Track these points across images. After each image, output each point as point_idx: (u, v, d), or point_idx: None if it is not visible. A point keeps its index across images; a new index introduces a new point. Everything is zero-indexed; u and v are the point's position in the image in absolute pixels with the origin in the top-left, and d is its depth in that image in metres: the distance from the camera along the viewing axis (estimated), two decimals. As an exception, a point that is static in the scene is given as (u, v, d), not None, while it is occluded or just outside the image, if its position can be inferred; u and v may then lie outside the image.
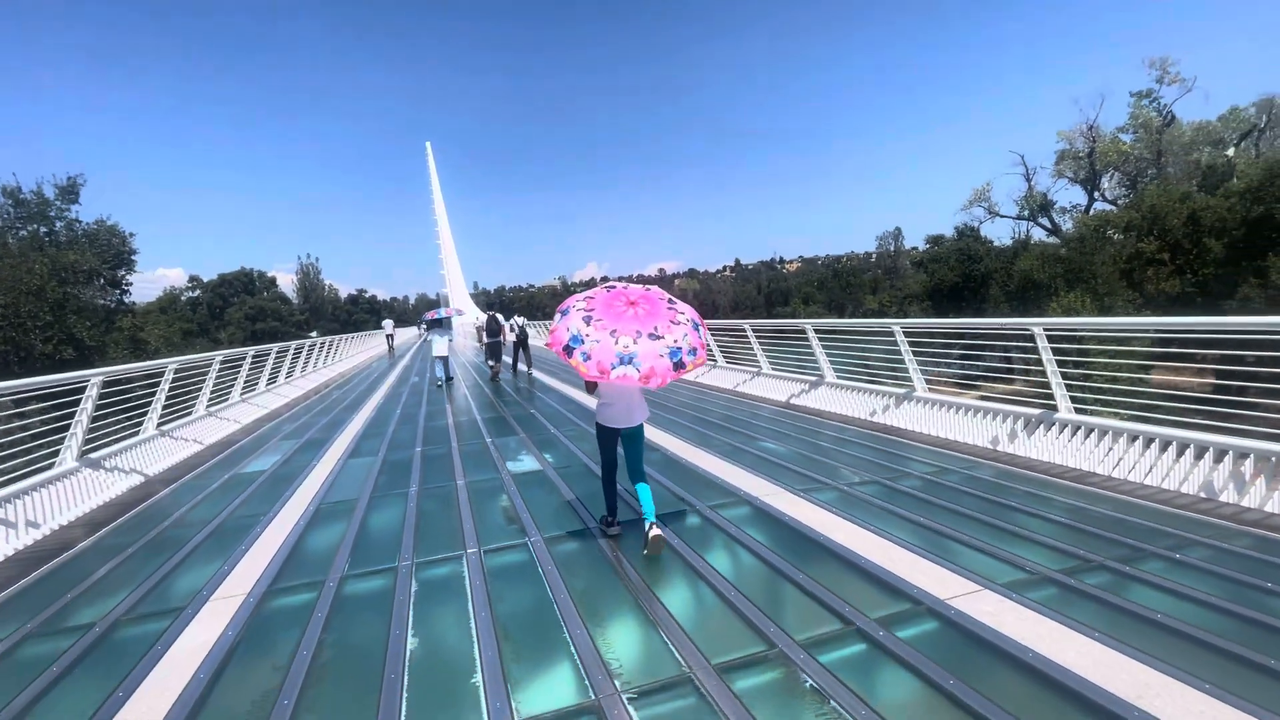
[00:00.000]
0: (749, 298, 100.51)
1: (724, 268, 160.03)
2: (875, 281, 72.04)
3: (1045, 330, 6.33)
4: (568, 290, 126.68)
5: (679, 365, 3.65)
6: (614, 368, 3.56)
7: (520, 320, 17.29)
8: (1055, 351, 6.30)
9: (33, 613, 3.78)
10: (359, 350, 32.26)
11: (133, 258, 34.73)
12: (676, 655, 2.88)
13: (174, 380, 8.99)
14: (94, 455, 6.85)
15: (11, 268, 23.76)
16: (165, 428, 8.83)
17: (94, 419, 6.81)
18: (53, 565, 4.62)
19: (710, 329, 12.45)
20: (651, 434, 7.69)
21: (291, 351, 17.42)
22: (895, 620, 3.08)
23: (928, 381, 8.23)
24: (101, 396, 6.86)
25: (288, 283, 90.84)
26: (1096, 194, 40.70)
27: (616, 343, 3.63)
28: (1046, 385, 6.42)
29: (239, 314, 73.26)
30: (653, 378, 3.57)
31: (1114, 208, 37.07)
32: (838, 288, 70.16)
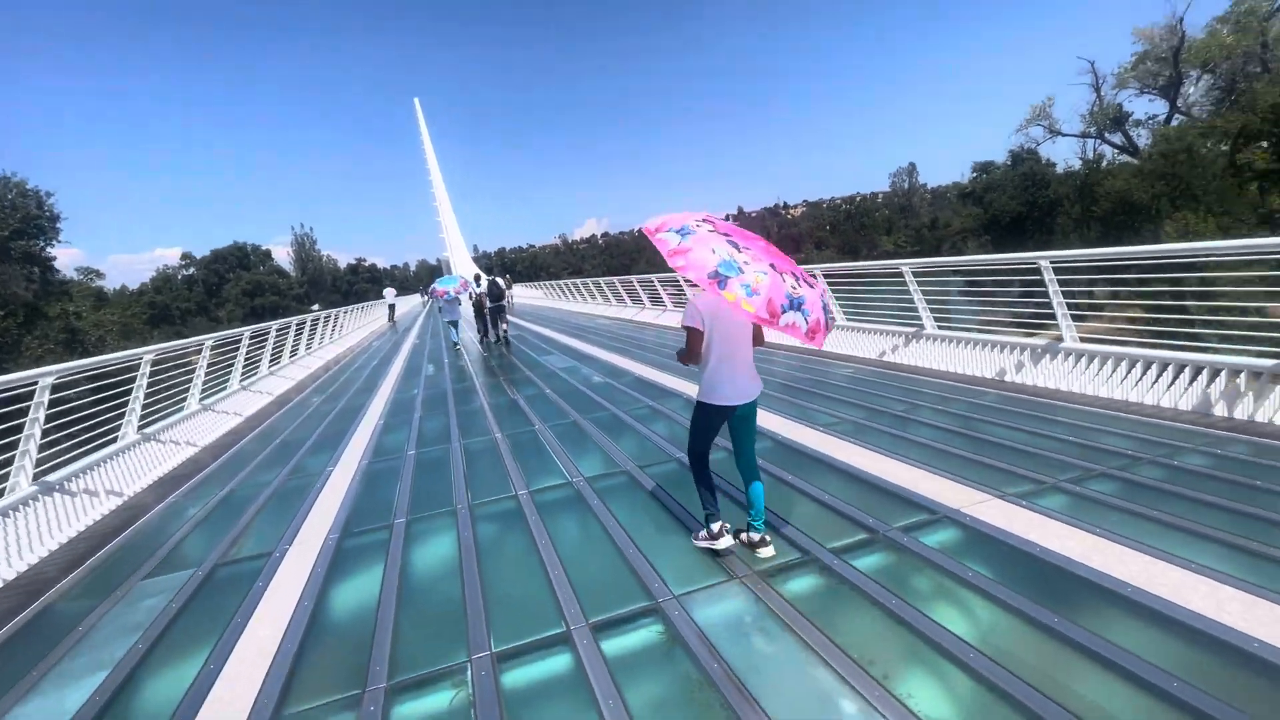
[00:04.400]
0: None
1: (726, 216, 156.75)
2: (890, 221, 70.77)
3: (1051, 263, 6.49)
4: (570, 248, 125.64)
5: (828, 322, 2.91)
6: (785, 311, 2.68)
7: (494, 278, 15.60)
8: (1061, 284, 6.48)
9: (137, 563, 4.24)
10: (361, 324, 28.37)
11: (55, 225, 27.94)
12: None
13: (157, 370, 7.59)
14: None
15: None
16: (146, 430, 7.32)
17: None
18: (136, 528, 5.10)
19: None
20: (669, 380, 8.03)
21: (293, 329, 15.52)
22: (918, 528, 3.46)
23: (982, 323, 8.33)
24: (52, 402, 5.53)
25: (283, 255, 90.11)
26: (1180, 103, 34.83)
27: (784, 280, 2.76)
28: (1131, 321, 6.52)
29: (236, 290, 73.21)
30: (818, 333, 2.81)
31: (1193, 120, 32.07)
32: (850, 230, 68.63)
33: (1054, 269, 6.46)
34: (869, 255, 61.41)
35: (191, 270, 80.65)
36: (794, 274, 2.86)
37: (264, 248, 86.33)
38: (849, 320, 10.06)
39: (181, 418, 8.26)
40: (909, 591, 2.86)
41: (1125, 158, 36.16)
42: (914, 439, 5.01)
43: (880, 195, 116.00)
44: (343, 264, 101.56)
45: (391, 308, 29.90)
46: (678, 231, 2.86)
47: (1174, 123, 34.09)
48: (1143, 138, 36.22)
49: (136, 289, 76.61)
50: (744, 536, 3.41)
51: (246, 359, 11.32)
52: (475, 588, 3.33)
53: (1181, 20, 33.61)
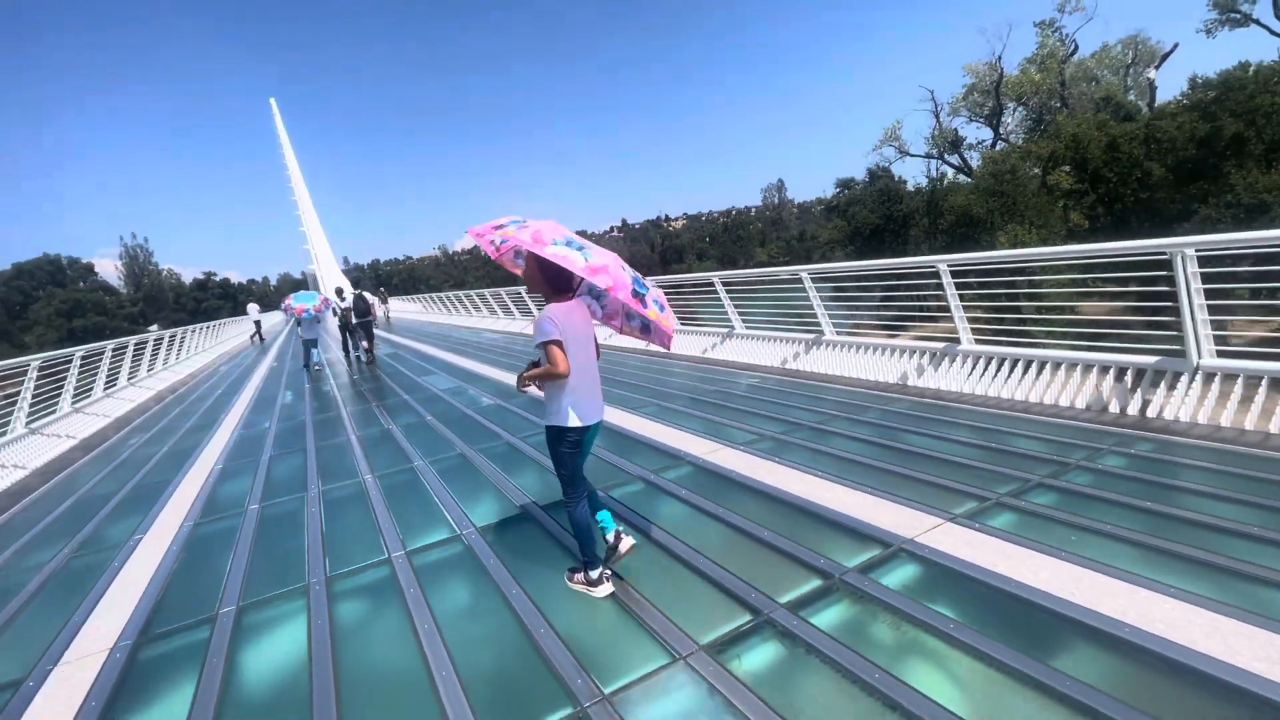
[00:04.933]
0: (644, 257, 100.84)
1: (611, 228, 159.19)
2: (763, 233, 74.61)
3: (950, 266, 6.57)
4: (451, 260, 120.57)
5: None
6: (672, 319, 2.82)
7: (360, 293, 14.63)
8: (959, 286, 6.57)
9: None
10: (215, 343, 26.48)
11: None
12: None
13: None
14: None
15: None
16: None
17: None
18: None
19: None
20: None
21: (108, 354, 12.32)
22: (875, 566, 3.03)
23: (852, 328, 8.42)
24: None
25: (111, 270, 79.05)
26: (1002, 130, 40.66)
27: (653, 286, 2.89)
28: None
29: (48, 310, 62.69)
30: (671, 335, 3.04)
31: (1012, 146, 37.07)
32: (728, 241, 71.84)
33: (951, 272, 6.53)
34: (745, 265, 64.60)
35: (-13, 288, 68.12)
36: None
37: (84, 261, 75.04)
38: (749, 329, 9.88)
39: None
40: (881, 652, 2.38)
41: (963, 177, 40.96)
42: (839, 454, 4.68)
43: (753, 209, 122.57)
44: (188, 279, 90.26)
45: (257, 324, 27.89)
46: (568, 245, 2.58)
47: (998, 147, 39.17)
48: (974, 159, 41.55)
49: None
50: (607, 538, 3.07)
51: (37, 391, 9.21)
52: (329, 700, 2.45)
53: (1000, 58, 39.65)
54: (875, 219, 38.98)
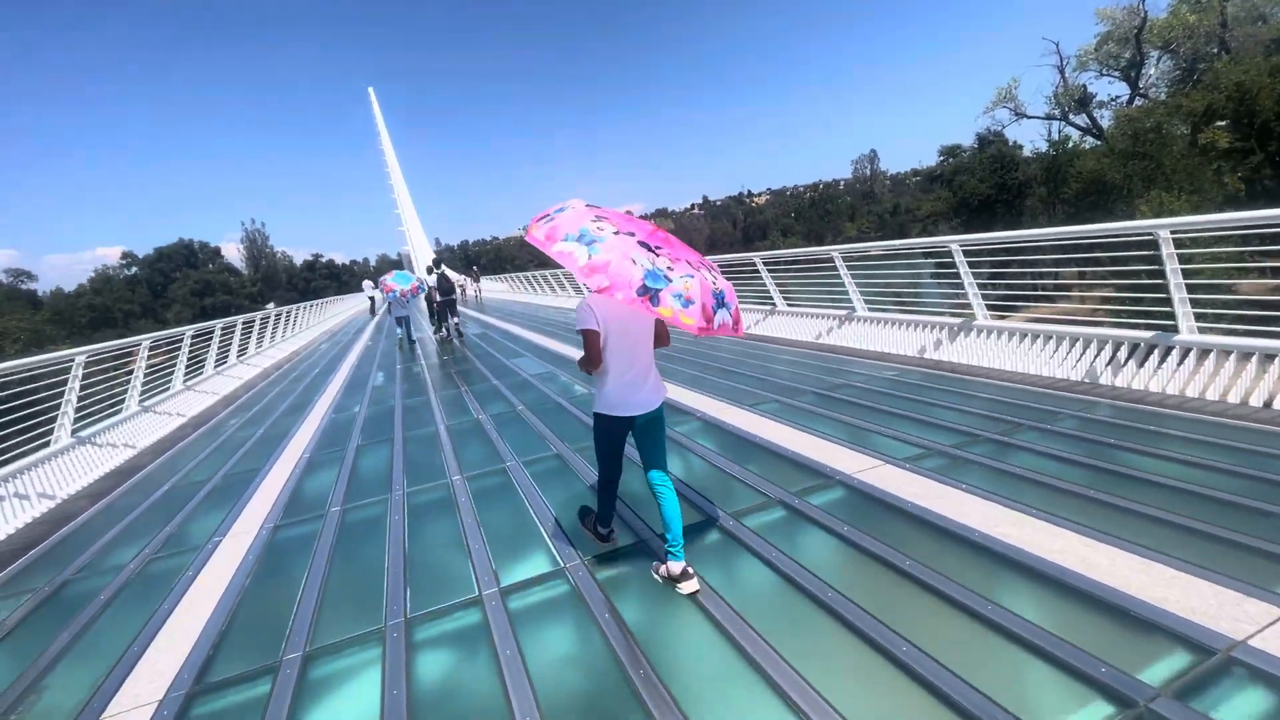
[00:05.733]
0: (725, 234, 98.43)
1: (692, 205, 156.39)
2: (853, 207, 70.61)
3: (961, 246, 6.97)
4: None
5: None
6: (715, 312, 2.40)
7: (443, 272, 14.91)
8: (971, 265, 6.92)
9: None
10: (320, 319, 28.52)
11: None
12: None
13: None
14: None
15: None
16: (80, 433, 7.24)
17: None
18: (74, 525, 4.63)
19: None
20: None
21: (239, 329, 14.54)
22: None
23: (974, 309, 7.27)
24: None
25: (234, 253, 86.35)
26: (1141, 84, 35.01)
27: (707, 278, 2.47)
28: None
29: (184, 290, 69.43)
30: (739, 322, 2.62)
31: (1153, 102, 31.74)
32: (815, 217, 68.66)
33: (963, 252, 6.75)
34: (834, 240, 61.08)
35: (134, 270, 76.02)
36: (705, 266, 2.58)
37: (213, 245, 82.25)
38: (872, 310, 8.66)
39: (116, 421, 7.94)
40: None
41: (1091, 140, 35.80)
42: (1035, 477, 3.56)
43: (842, 182, 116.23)
44: (299, 261, 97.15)
45: (372, 299, 31.71)
46: (579, 239, 2.38)
47: (1135, 104, 33.73)
48: (1104, 119, 36.00)
49: (74, 290, 71.65)
50: (662, 569, 2.88)
51: (189, 359, 10.73)
52: None
53: (1143, 1, 33.54)
54: (986, 189, 35.48)
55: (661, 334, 2.91)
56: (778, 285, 10.40)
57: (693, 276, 2.36)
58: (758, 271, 10.49)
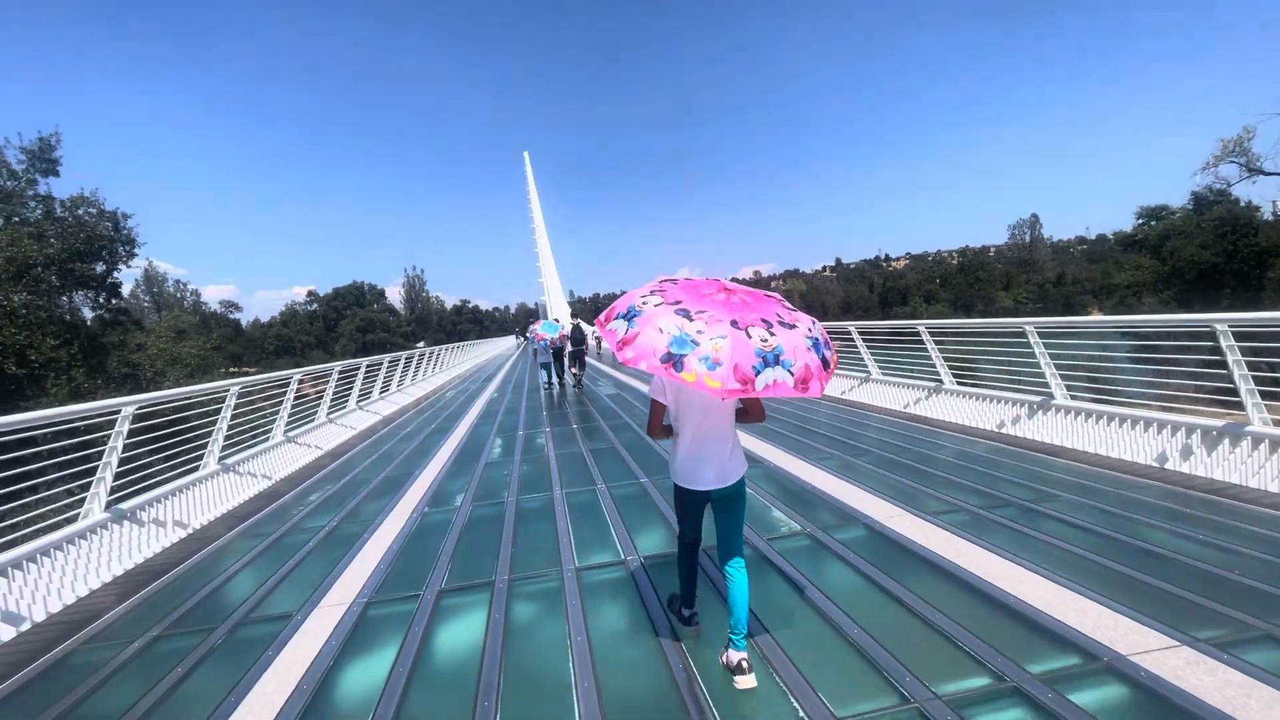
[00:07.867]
0: (861, 298, 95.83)
1: (824, 267, 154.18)
2: (1007, 275, 65.88)
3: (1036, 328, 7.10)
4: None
5: (825, 363, 2.47)
6: (759, 372, 2.27)
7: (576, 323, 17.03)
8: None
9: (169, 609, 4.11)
10: (461, 360, 30.81)
11: (132, 249, 25.39)
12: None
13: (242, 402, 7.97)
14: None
15: None
16: (226, 460, 7.50)
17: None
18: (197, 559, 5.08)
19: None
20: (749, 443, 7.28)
21: (400, 364, 17.58)
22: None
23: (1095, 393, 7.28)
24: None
25: (396, 295, 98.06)
26: None
27: (749, 336, 2.32)
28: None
29: (350, 326, 79.89)
30: (810, 380, 2.36)
31: None
32: (964, 283, 64.16)
33: (1233, 334, 5.24)
34: (985, 312, 57.20)
35: (314, 306, 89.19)
36: (765, 320, 2.42)
37: (379, 287, 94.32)
38: (959, 384, 8.91)
39: (262, 450, 8.51)
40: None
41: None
42: (1052, 541, 4.00)
43: (993, 249, 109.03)
44: (449, 304, 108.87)
45: (518, 336, 40.27)
46: (624, 317, 2.51)
47: None
48: None
49: (267, 321, 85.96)
50: (723, 658, 2.80)
51: (335, 393, 11.92)
52: (492, 691, 2.81)
53: None
54: (1210, 256, 30.58)
55: (752, 409, 2.84)
56: (873, 356, 10.83)
57: (725, 337, 2.29)
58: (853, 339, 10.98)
